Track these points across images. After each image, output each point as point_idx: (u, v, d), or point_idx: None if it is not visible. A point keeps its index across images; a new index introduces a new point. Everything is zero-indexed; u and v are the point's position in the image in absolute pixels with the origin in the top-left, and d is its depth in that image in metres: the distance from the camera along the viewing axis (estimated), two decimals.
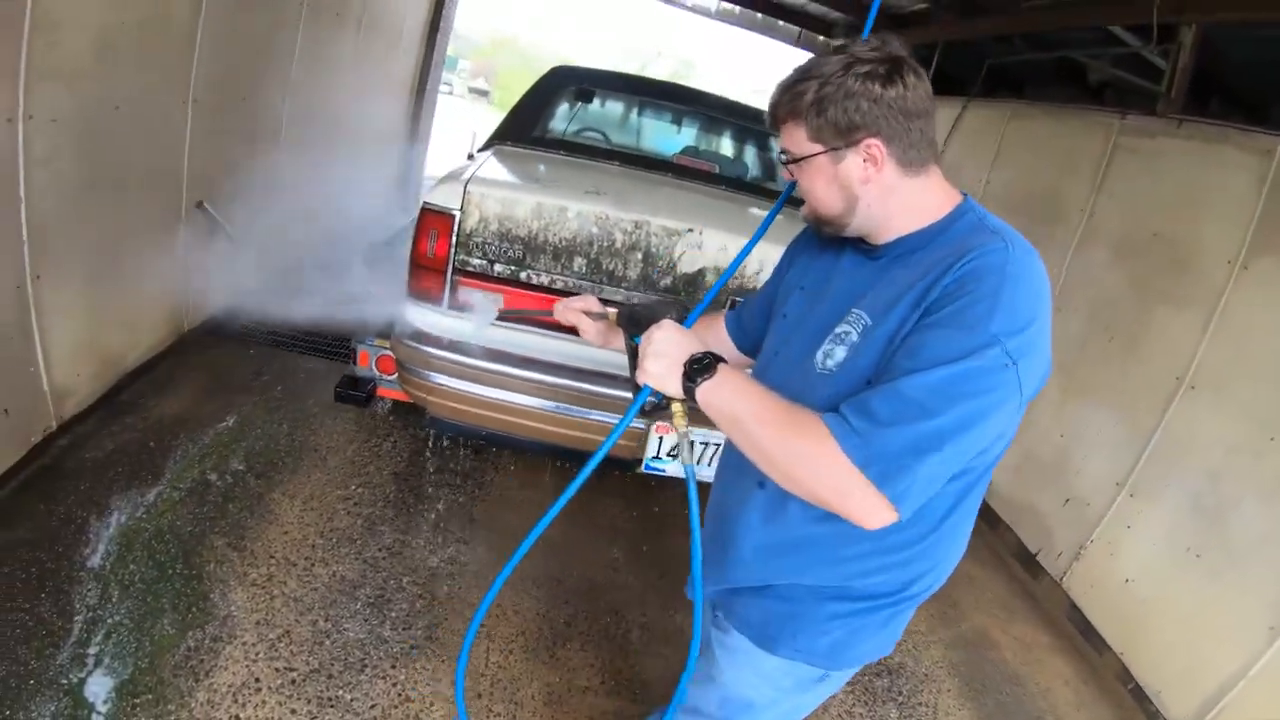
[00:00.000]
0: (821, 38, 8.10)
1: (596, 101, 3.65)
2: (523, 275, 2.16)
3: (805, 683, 1.28)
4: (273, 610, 2.24)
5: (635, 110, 3.85)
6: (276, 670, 2.05)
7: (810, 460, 0.96)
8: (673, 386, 1.06)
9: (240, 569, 2.36)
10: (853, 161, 1.04)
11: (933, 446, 0.93)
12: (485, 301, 2.01)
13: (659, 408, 1.12)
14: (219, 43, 3.09)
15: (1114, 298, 3.62)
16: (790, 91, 1.06)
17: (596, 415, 2.26)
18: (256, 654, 2.08)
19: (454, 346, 2.19)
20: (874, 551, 1.13)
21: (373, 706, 2.02)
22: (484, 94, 32.20)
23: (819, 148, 1.05)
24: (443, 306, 2.20)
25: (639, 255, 2.14)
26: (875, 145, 1.02)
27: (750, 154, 3.96)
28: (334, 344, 3.98)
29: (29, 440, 2.55)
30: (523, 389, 2.20)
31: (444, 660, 2.22)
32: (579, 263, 2.14)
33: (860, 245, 1.15)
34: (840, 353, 1.06)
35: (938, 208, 1.08)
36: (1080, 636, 3.24)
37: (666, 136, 3.86)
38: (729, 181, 3.09)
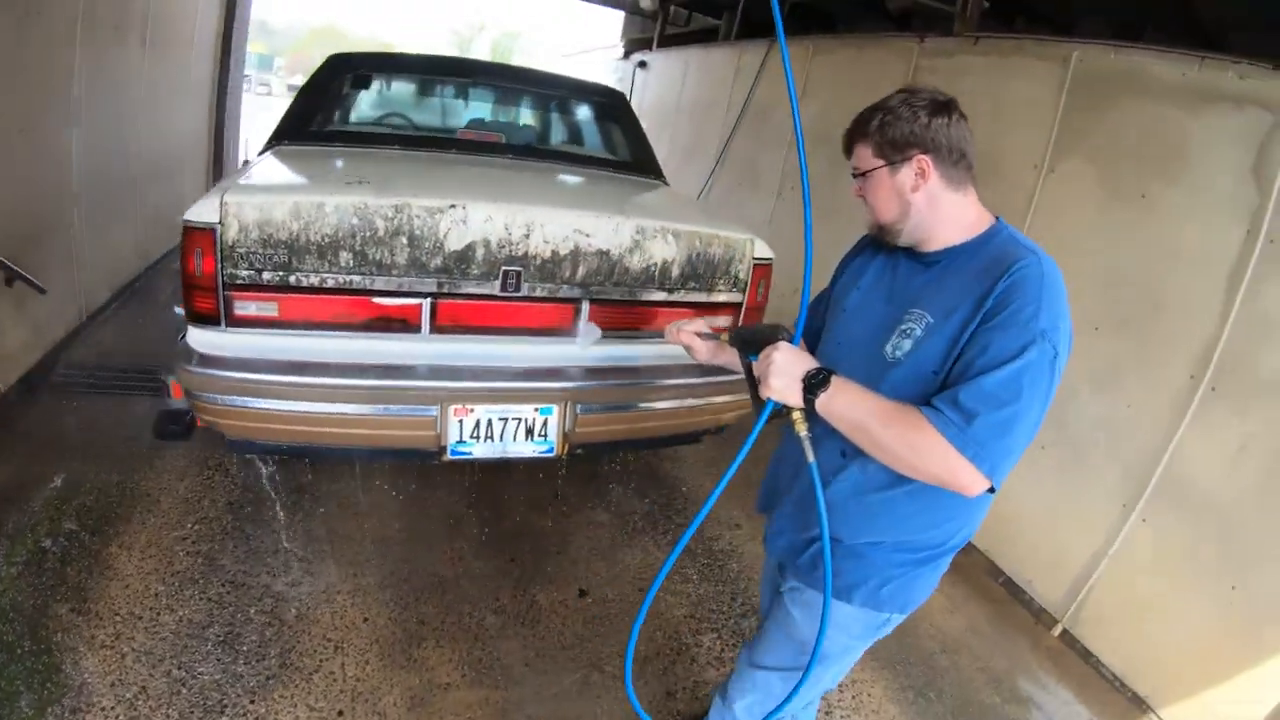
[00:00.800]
0: None
1: (380, 86, 3.55)
2: (292, 280, 2.08)
3: (871, 628, 1.52)
4: (125, 669, 2.15)
5: (421, 90, 3.76)
6: None
7: (923, 449, 1.20)
8: (794, 399, 1.31)
9: (88, 633, 2.25)
10: (906, 174, 1.32)
11: (1010, 427, 1.18)
12: (589, 327, 2.37)
13: (779, 415, 1.35)
14: None
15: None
16: (861, 120, 1.36)
17: (394, 410, 2.22)
18: (115, 716, 2.00)
19: (236, 365, 2.12)
20: (929, 508, 1.38)
21: None
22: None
23: (880, 162, 1.34)
24: (221, 325, 2.12)
25: (404, 240, 2.09)
26: (924, 160, 1.30)
27: (541, 118, 3.93)
28: (158, 379, 3.84)
29: None
30: (312, 396, 2.14)
31: (299, 685, 2.17)
32: (345, 257, 2.08)
33: (912, 254, 1.40)
34: (907, 344, 1.31)
35: (976, 223, 1.35)
36: None
37: (454, 113, 3.78)
38: (515, 149, 3.07)
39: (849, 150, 1.42)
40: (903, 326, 1.32)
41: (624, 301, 2.41)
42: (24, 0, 3.16)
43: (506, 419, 2.31)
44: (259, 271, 2.06)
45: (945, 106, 1.31)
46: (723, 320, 2.62)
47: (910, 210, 1.34)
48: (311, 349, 2.17)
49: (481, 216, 2.13)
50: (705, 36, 7.78)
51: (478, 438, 2.31)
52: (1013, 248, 1.28)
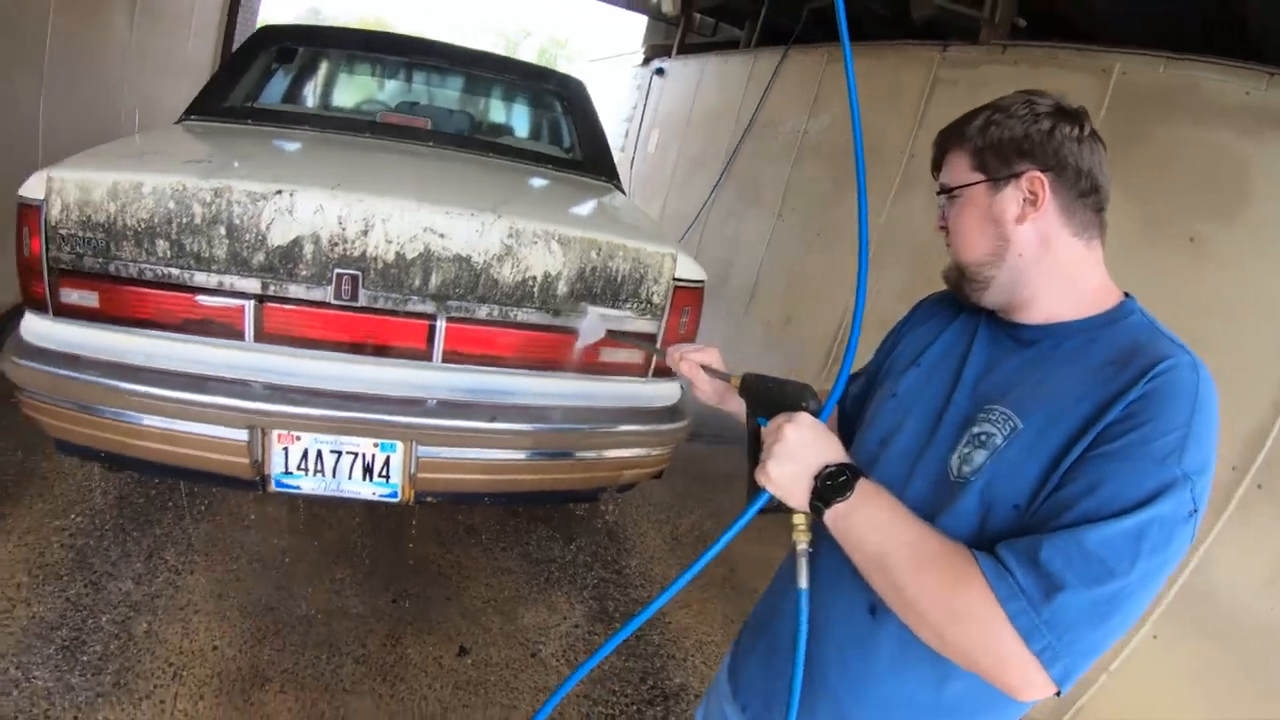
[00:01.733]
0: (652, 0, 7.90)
1: (311, 63, 3.35)
2: (111, 269, 1.86)
3: None
4: None
5: (354, 69, 3.55)
6: None
7: (966, 620, 0.80)
8: (798, 499, 0.92)
9: None
10: (1011, 195, 0.94)
11: (1111, 612, 0.78)
12: (594, 322, 2.02)
13: (774, 510, 0.96)
14: None
15: (938, 246, 3.21)
16: (961, 120, 1.00)
17: (199, 428, 1.97)
18: None
19: (51, 358, 1.93)
20: (970, 703, 0.96)
21: None
22: None
23: (978, 176, 0.96)
24: (48, 312, 1.94)
25: (222, 230, 1.84)
26: (1039, 179, 0.92)
27: (483, 106, 3.63)
28: None
29: None
30: (122, 403, 1.92)
31: (125, 709, 1.98)
32: (162, 246, 1.85)
33: (1001, 325, 1.00)
34: (979, 458, 0.90)
35: (1100, 295, 0.95)
36: None
37: (386, 95, 3.54)
38: (441, 138, 2.78)
39: (938, 163, 1.04)
40: (977, 430, 0.91)
41: (491, 322, 2.05)
42: None
43: (340, 452, 2.00)
44: (80, 256, 1.87)
45: (1076, 116, 0.94)
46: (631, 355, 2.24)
47: (1009, 250, 0.94)
48: (132, 348, 1.94)
49: (310, 206, 1.84)
50: (727, 47, 7.46)
51: (306, 470, 2.02)
52: (1154, 339, 0.89)
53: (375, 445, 2.02)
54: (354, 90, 3.53)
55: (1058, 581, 0.76)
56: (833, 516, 0.88)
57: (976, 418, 0.92)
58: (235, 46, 6.58)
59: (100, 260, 1.88)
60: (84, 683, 2.03)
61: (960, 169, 0.98)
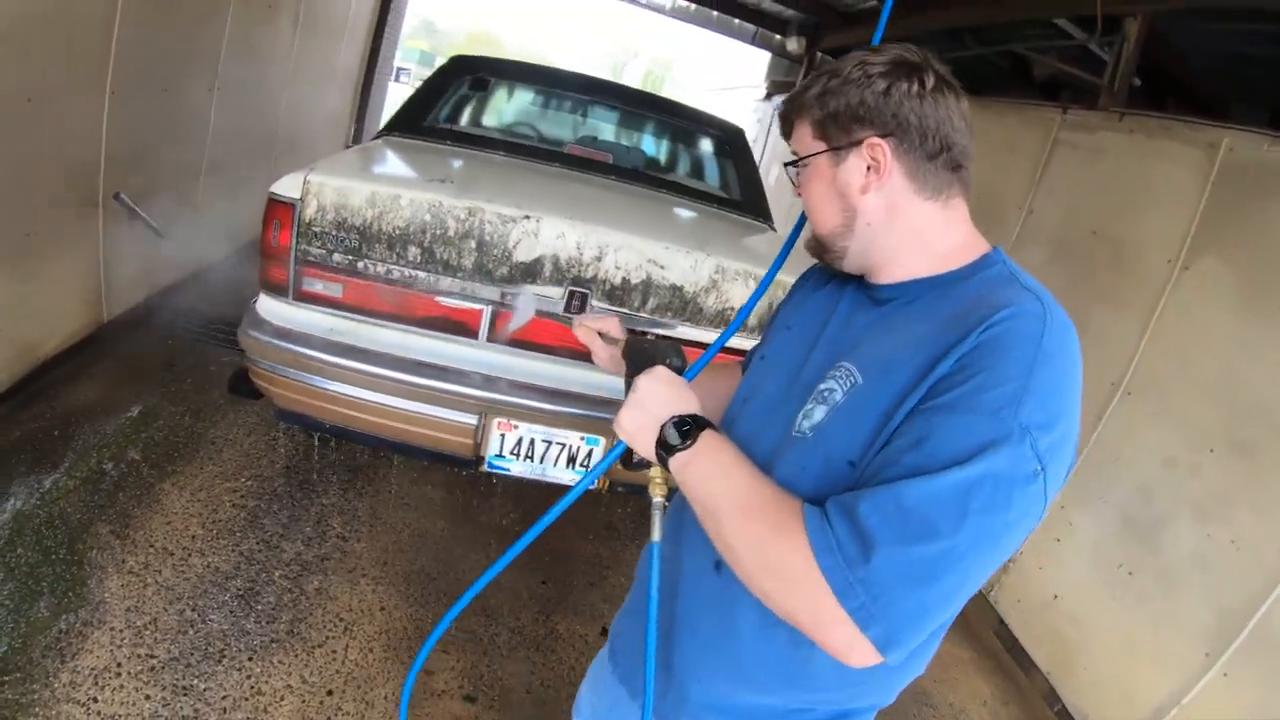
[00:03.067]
0: (777, 36, 8.04)
1: (498, 91, 3.59)
2: (360, 266, 2.11)
3: None
4: (144, 598, 2.23)
5: (537, 101, 3.78)
6: (138, 657, 2.04)
7: (785, 574, 0.77)
8: (643, 447, 0.93)
9: (119, 556, 2.35)
10: (854, 164, 0.90)
11: (935, 574, 0.72)
12: (527, 301, 2.11)
13: (633, 463, 1.02)
14: (138, 34, 3.10)
15: (1056, 293, 3.42)
16: (802, 89, 0.96)
17: (434, 411, 2.20)
18: (122, 640, 2.07)
19: (293, 337, 2.15)
20: (834, 674, 0.93)
21: (224, 697, 2.00)
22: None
23: (820, 146, 0.93)
24: (288, 297, 2.16)
25: (473, 244, 2.07)
26: (879, 146, 0.88)
27: (654, 144, 3.87)
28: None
29: None
30: (362, 383, 2.15)
31: (299, 655, 2.18)
32: (413, 252, 2.08)
33: (864, 286, 0.98)
34: (819, 413, 0.87)
35: (958, 251, 0.91)
36: (1007, 654, 3.07)
37: (567, 127, 3.77)
38: (621, 171, 3.01)
39: (787, 134, 1.01)
40: (821, 386, 0.88)
41: (693, 343, 2.29)
42: None
43: (550, 442, 2.25)
44: (330, 252, 2.09)
45: (916, 69, 0.88)
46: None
47: (857, 219, 0.92)
48: (368, 336, 2.19)
49: (554, 232, 2.09)
50: None
51: (518, 455, 2.27)
52: (1004, 289, 0.84)
53: (581, 438, 2.27)
54: (535, 120, 3.75)
55: (874, 538, 0.72)
56: (675, 465, 0.88)
57: (825, 375, 0.89)
58: (380, 56, 6.79)
59: (350, 258, 2.09)
60: (258, 629, 2.24)
61: (805, 138, 0.95)
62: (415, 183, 2.14)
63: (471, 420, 2.20)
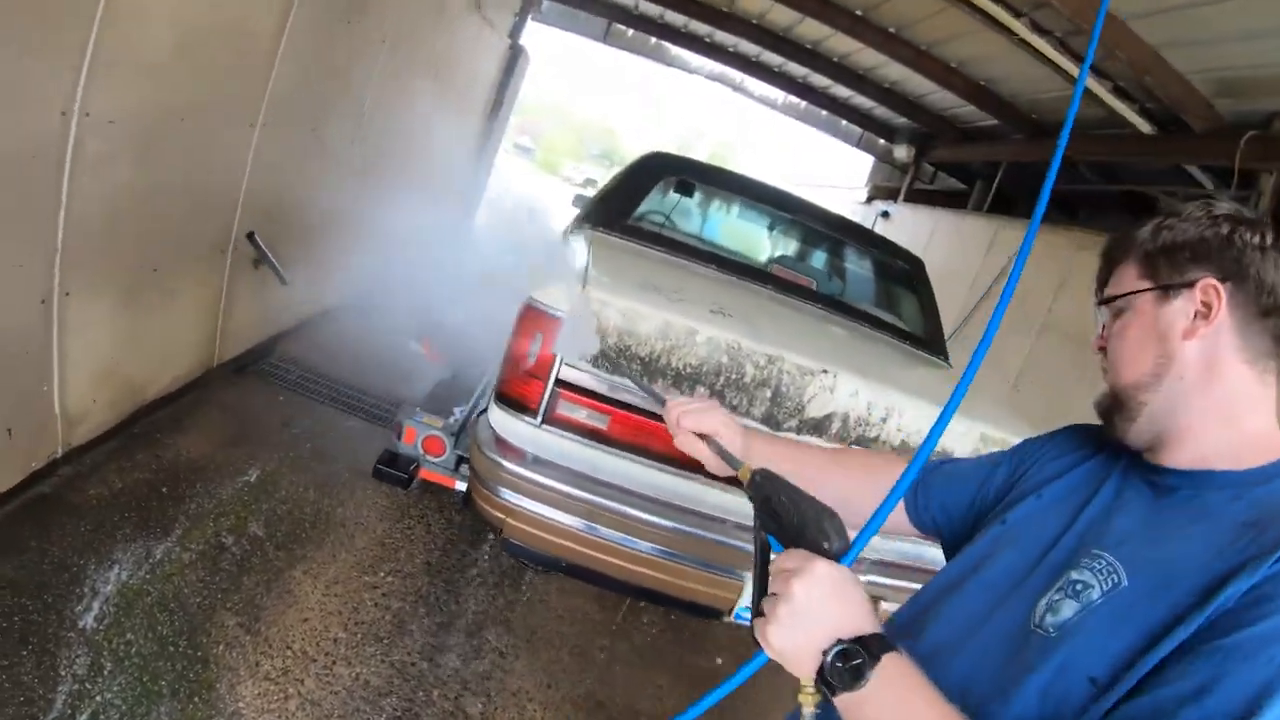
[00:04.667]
0: (883, 142, 8.20)
1: (701, 196, 3.51)
2: (631, 398, 1.96)
3: None
4: (287, 713, 1.99)
5: (725, 208, 3.71)
6: None
7: None
8: (803, 670, 0.73)
9: (252, 657, 2.11)
10: (1182, 307, 0.80)
11: None
12: (587, 326, 1.77)
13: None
14: (297, 65, 2.89)
15: (1075, 381, 3.51)
16: (1132, 229, 0.88)
17: (694, 562, 2.06)
18: None
19: (543, 468, 1.97)
20: None
21: None
22: (528, 150, 34.10)
23: (1146, 284, 0.83)
24: (535, 419, 1.99)
25: (768, 393, 1.95)
26: (1214, 287, 0.78)
27: (842, 268, 3.81)
28: (375, 405, 3.71)
29: (30, 465, 2.29)
30: (613, 523, 1.99)
31: None
32: (701, 393, 1.95)
33: (1140, 468, 0.84)
34: (1067, 609, 0.74)
35: (1264, 439, 0.77)
36: None
37: (756, 240, 3.73)
38: (823, 299, 2.96)
39: (1104, 279, 0.92)
40: (1075, 577, 0.76)
41: None
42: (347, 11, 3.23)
43: None
44: (600, 378, 1.94)
45: (1258, 224, 0.80)
46: None
47: (1169, 369, 0.80)
48: (628, 474, 2.03)
49: (849, 390, 2.00)
50: (949, 199, 7.71)
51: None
52: None
53: None
54: (726, 229, 3.67)
55: None
56: (843, 705, 0.71)
57: (1078, 563, 0.78)
58: (499, 120, 6.57)
59: (619, 386, 1.93)
60: None
61: (1128, 277, 0.87)
62: (703, 315, 2.00)
63: (740, 577, 2.06)
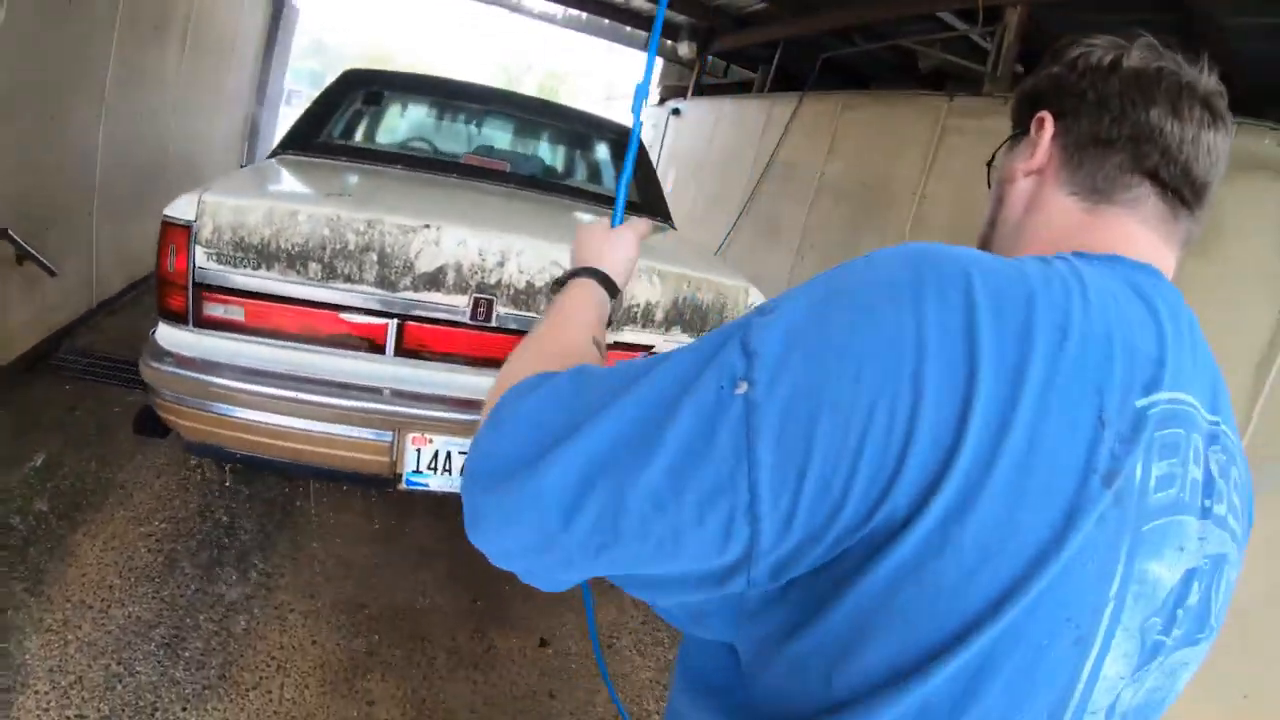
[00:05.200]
0: (669, 42, 8.22)
1: (391, 105, 3.57)
2: (260, 286, 2.05)
3: None
4: (66, 656, 2.11)
5: (431, 113, 3.77)
6: (67, 719, 1.93)
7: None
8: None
9: (36, 615, 2.23)
10: (1020, 151, 0.74)
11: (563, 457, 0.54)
12: None
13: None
14: (20, 58, 2.97)
15: None
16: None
17: (346, 431, 2.15)
18: (48, 703, 1.96)
19: (199, 366, 2.09)
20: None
21: None
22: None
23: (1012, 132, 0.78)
24: (189, 324, 2.10)
25: (374, 256, 2.04)
26: (1042, 119, 0.70)
27: (551, 151, 3.87)
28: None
29: None
30: (271, 408, 2.09)
31: (234, 700, 2.10)
32: (314, 269, 2.04)
33: None
34: None
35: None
36: None
37: (462, 138, 3.77)
38: (519, 179, 3.02)
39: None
40: None
41: (612, 345, 2.31)
42: None
43: (468, 453, 2.20)
44: (228, 274, 2.04)
45: (1123, 47, 0.68)
46: None
47: (1000, 212, 0.75)
48: (275, 359, 2.13)
49: (455, 240, 2.07)
50: (742, 90, 7.87)
51: (435, 469, 2.22)
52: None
53: None
54: (430, 132, 3.71)
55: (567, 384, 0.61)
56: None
57: None
58: (269, 78, 6.67)
59: (249, 278, 2.04)
60: (189, 676, 2.15)
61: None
62: (312, 198, 2.10)
63: (386, 437, 2.15)
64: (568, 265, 0.96)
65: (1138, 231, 0.66)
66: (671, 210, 3.45)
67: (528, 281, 2.16)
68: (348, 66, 3.50)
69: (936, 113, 3.79)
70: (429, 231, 2.05)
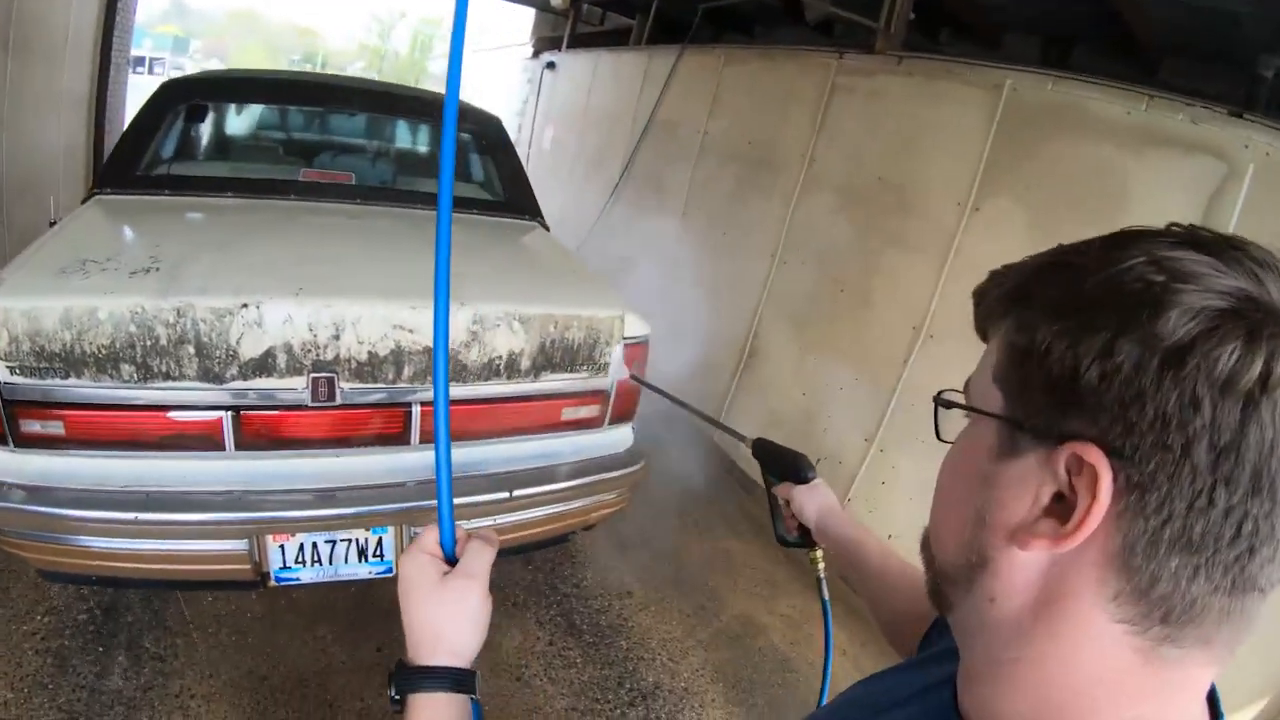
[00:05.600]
0: None
1: (224, 116, 3.28)
2: (73, 395, 1.84)
3: None
4: None
5: (266, 119, 3.48)
6: None
7: None
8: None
9: None
10: (1031, 472, 0.43)
11: None
12: None
13: (795, 544, 1.21)
14: None
15: (841, 248, 3.42)
16: (1021, 266, 0.51)
17: (199, 545, 2.00)
18: None
19: (27, 495, 1.88)
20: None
21: None
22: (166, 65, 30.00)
23: (997, 402, 0.47)
24: (8, 445, 1.89)
25: (191, 349, 1.84)
26: (1095, 461, 0.40)
27: (403, 150, 3.60)
28: None
29: None
30: (110, 531, 1.91)
31: None
32: (127, 370, 1.83)
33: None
34: None
35: None
36: (854, 597, 3.13)
37: (301, 146, 3.47)
38: (366, 192, 2.80)
39: (982, 327, 0.54)
40: None
41: (463, 401, 2.13)
42: None
43: (335, 541, 2.05)
44: (37, 386, 1.84)
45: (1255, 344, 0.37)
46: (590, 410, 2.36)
47: (985, 570, 0.46)
48: (110, 472, 1.93)
49: (279, 317, 1.87)
50: (619, 38, 7.36)
51: (304, 562, 2.07)
52: None
53: (367, 530, 2.08)
54: (269, 144, 3.42)
55: None
56: None
57: None
58: (112, 69, 6.13)
59: (62, 388, 1.85)
60: None
61: (986, 372, 0.50)
62: (115, 282, 1.85)
63: (241, 546, 1.99)
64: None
65: (1203, 677, 0.43)
66: (552, 172, 3.24)
67: (369, 352, 1.98)
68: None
69: (825, 70, 3.59)
70: (248, 312, 1.85)
